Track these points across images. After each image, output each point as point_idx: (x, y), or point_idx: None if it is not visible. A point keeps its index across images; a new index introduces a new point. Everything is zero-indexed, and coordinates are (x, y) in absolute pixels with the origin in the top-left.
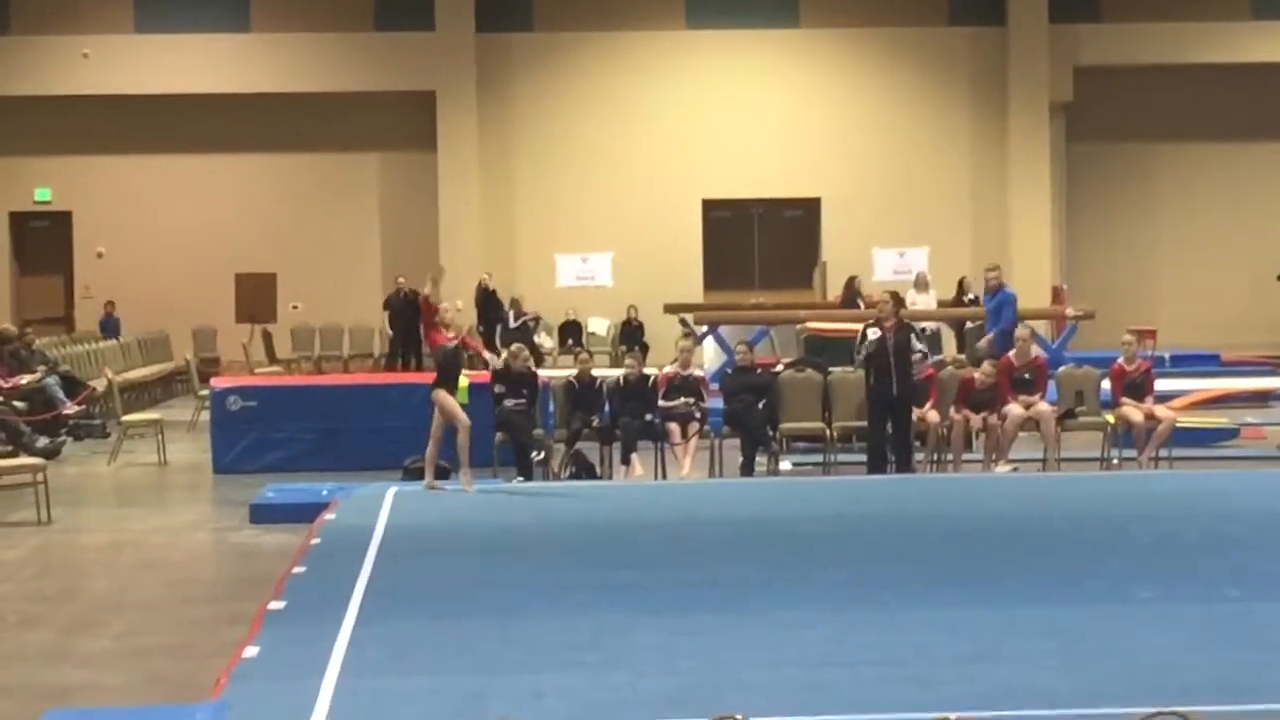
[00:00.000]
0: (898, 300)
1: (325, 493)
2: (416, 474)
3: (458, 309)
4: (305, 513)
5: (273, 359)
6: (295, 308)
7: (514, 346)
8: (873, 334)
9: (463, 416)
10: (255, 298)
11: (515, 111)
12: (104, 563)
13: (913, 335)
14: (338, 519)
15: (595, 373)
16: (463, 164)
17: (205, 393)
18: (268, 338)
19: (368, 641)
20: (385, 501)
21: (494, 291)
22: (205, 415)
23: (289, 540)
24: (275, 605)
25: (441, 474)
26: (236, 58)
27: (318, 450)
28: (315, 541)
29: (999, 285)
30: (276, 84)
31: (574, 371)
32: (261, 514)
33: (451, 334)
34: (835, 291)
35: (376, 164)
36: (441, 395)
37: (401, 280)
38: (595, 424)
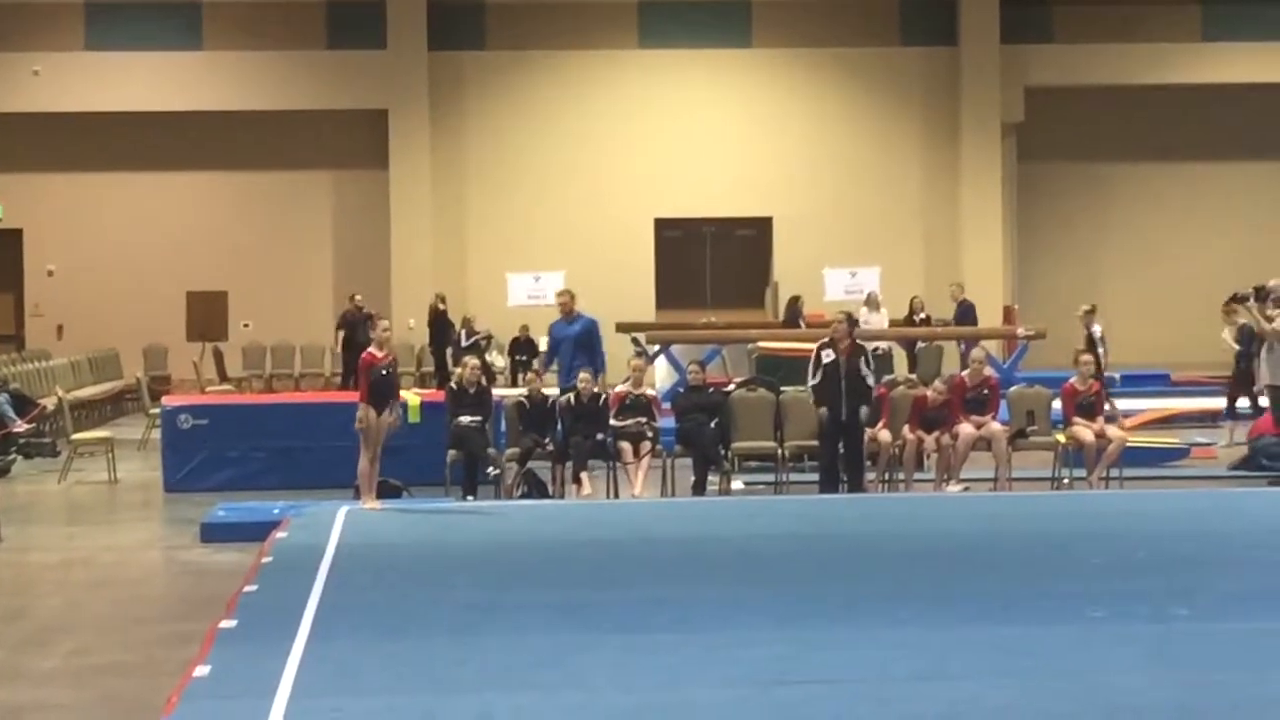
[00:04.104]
0: (852, 321)
1: (277, 511)
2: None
3: (409, 328)
4: (257, 531)
5: (224, 377)
6: (247, 326)
7: (467, 359)
8: (827, 356)
9: (375, 446)
10: (207, 316)
11: (468, 130)
12: (55, 581)
13: (864, 358)
14: (289, 537)
15: (546, 391)
16: (415, 182)
17: (156, 411)
18: (219, 356)
19: (319, 660)
20: (337, 520)
21: (445, 312)
22: (156, 434)
23: (240, 559)
24: (226, 624)
25: (392, 492)
26: (188, 76)
27: (269, 469)
28: (267, 560)
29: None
30: (228, 102)
31: (524, 391)
32: (213, 533)
33: (384, 353)
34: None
35: (328, 182)
36: (371, 415)
37: (359, 299)
38: (547, 444)
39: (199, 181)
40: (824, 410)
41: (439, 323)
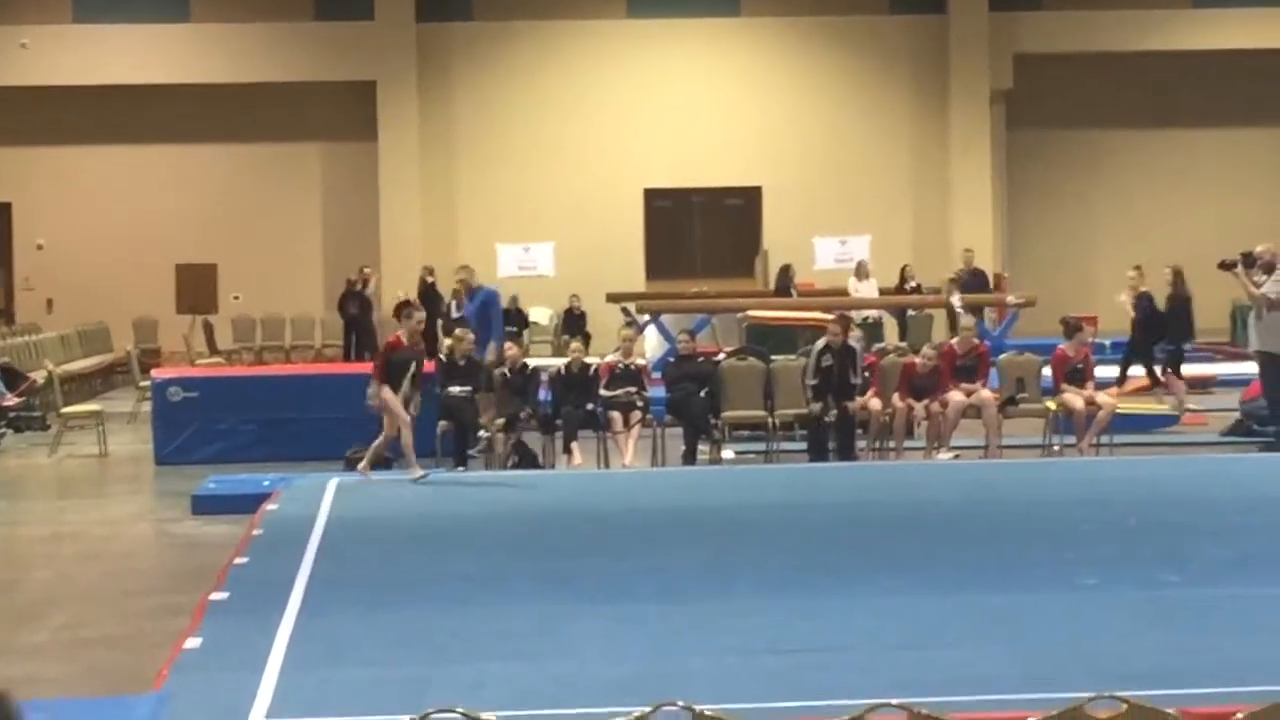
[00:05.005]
0: (845, 321)
1: (267, 483)
2: (358, 463)
3: (399, 299)
4: (247, 504)
5: (214, 350)
6: (236, 298)
7: (458, 332)
8: (826, 360)
9: (404, 414)
10: (196, 288)
11: (456, 101)
12: (45, 555)
13: (854, 361)
14: (280, 509)
15: (531, 361)
16: (404, 154)
17: (146, 384)
18: (209, 329)
19: (310, 632)
20: (327, 492)
21: (434, 285)
22: (146, 407)
23: (231, 531)
24: (217, 596)
25: (381, 464)
26: (176, 48)
27: (259, 441)
28: (257, 532)
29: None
30: (216, 74)
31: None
32: (203, 505)
33: (409, 344)
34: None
35: (317, 154)
36: (385, 393)
37: (367, 270)
38: (527, 413)
39: (188, 154)
40: (817, 405)
41: (428, 295)
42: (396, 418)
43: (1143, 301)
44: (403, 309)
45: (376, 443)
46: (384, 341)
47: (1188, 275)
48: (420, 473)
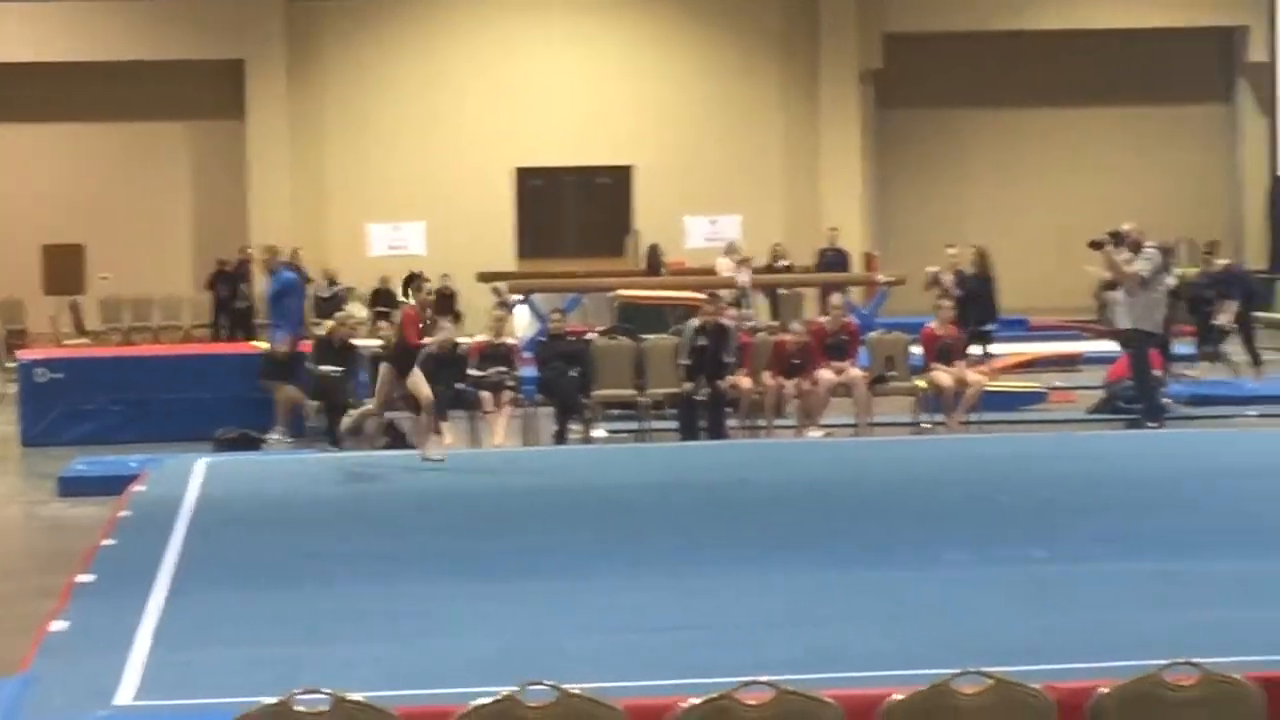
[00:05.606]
0: (715, 300)
1: (135, 465)
2: (228, 444)
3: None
4: (115, 485)
5: (81, 331)
6: (104, 279)
7: (339, 315)
8: (700, 340)
9: (428, 392)
10: (63, 269)
11: (326, 79)
12: None
13: (727, 342)
14: (148, 490)
15: None
16: (272, 133)
17: (12, 365)
18: (76, 309)
19: (179, 613)
20: (196, 472)
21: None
22: (13, 388)
23: (99, 513)
24: (84, 578)
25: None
26: (38, 25)
27: (128, 422)
28: (125, 514)
29: None
30: (81, 52)
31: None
32: (71, 486)
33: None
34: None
35: (184, 133)
36: (414, 375)
37: (250, 250)
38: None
39: (52, 133)
40: (689, 385)
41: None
42: (421, 396)
43: (959, 277)
44: (410, 282)
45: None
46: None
47: (1057, 254)
48: (439, 454)
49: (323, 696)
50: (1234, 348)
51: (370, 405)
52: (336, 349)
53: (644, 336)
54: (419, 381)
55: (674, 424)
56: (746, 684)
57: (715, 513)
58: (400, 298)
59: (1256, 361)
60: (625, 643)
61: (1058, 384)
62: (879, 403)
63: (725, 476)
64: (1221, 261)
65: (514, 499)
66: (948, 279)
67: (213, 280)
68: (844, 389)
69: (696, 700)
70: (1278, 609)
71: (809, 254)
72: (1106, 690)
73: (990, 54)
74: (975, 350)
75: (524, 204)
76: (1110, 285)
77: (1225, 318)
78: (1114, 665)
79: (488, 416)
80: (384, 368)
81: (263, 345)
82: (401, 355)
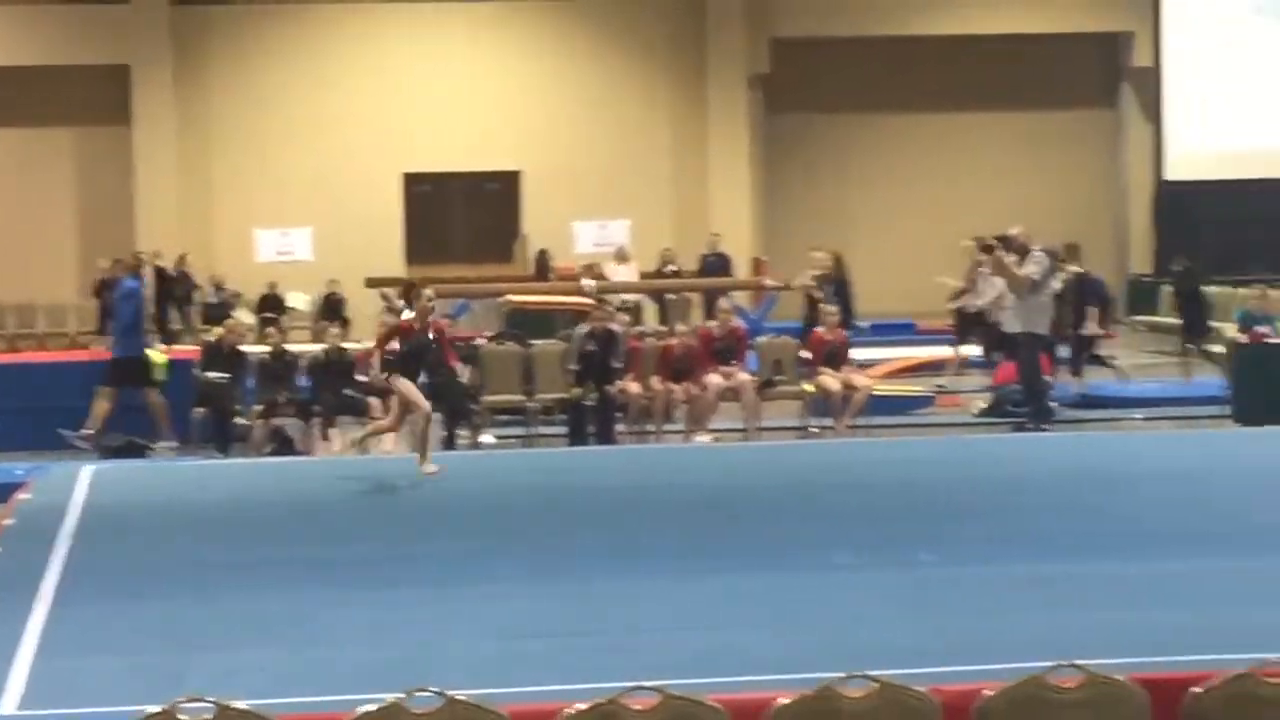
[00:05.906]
0: (603, 306)
1: (20, 472)
2: (115, 452)
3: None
4: None
5: None
6: None
7: (229, 322)
8: (589, 346)
9: (424, 403)
10: None
11: (213, 85)
12: None
13: (617, 343)
14: (33, 499)
15: (289, 347)
16: (159, 139)
17: None
18: None
19: (63, 622)
20: (82, 480)
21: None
22: None
23: None
24: None
25: (135, 451)
26: None
27: (12, 430)
28: (8, 522)
29: None
30: None
31: (268, 348)
32: None
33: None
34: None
35: (70, 139)
36: (404, 383)
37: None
38: (285, 399)
39: None
40: (578, 390)
41: (181, 281)
42: (417, 407)
43: (824, 282)
44: (410, 291)
45: (380, 424)
46: (387, 326)
47: (942, 258)
48: (433, 467)
49: (207, 704)
50: (1109, 351)
51: (386, 420)
52: (225, 355)
53: (532, 342)
54: (415, 391)
55: (562, 429)
56: (632, 689)
57: (602, 518)
58: (400, 303)
59: (1078, 373)
60: (511, 649)
61: (942, 385)
62: (767, 407)
63: (613, 481)
64: (1073, 269)
65: (401, 505)
66: (806, 281)
67: (99, 287)
68: (732, 393)
69: (583, 706)
70: (1161, 610)
71: (697, 258)
72: (992, 692)
73: (879, 59)
74: None
75: (412, 209)
76: (961, 293)
77: (1092, 325)
78: (1000, 667)
79: (375, 423)
80: (402, 381)
81: (156, 356)
82: (408, 360)
